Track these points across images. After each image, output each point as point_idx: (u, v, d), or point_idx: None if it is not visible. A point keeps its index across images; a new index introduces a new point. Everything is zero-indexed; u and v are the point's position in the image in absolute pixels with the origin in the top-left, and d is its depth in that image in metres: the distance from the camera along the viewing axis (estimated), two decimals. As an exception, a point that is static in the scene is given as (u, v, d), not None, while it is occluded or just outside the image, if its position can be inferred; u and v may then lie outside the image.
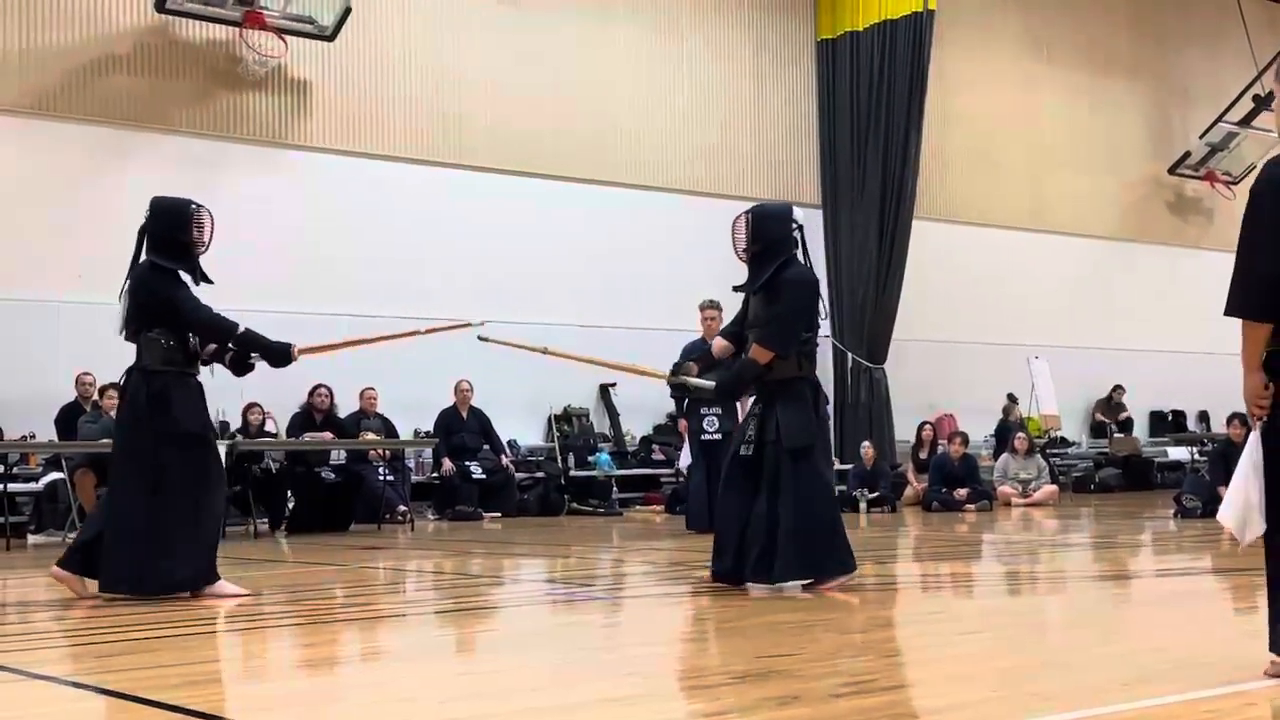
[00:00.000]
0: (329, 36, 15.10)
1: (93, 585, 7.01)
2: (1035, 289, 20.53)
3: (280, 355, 7.23)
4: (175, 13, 14.44)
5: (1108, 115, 21.87)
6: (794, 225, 7.04)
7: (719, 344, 7.19)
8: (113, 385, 11.60)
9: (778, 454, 6.79)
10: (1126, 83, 22.13)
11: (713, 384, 7.17)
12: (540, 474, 15.83)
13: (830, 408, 18.71)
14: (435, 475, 14.99)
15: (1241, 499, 4.10)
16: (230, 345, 7.17)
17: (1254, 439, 4.11)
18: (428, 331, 7.88)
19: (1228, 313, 4.06)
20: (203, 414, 7.14)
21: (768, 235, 6.96)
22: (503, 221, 16.36)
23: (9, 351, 13.44)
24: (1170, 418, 21.90)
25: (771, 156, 18.80)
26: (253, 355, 7.27)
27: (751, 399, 7.22)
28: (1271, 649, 4.08)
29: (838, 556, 6.87)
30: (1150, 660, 4.64)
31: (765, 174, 18.67)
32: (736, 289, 7.16)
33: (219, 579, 7.02)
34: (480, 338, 7.67)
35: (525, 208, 16.53)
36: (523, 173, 16.61)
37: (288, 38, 14.90)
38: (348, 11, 14.97)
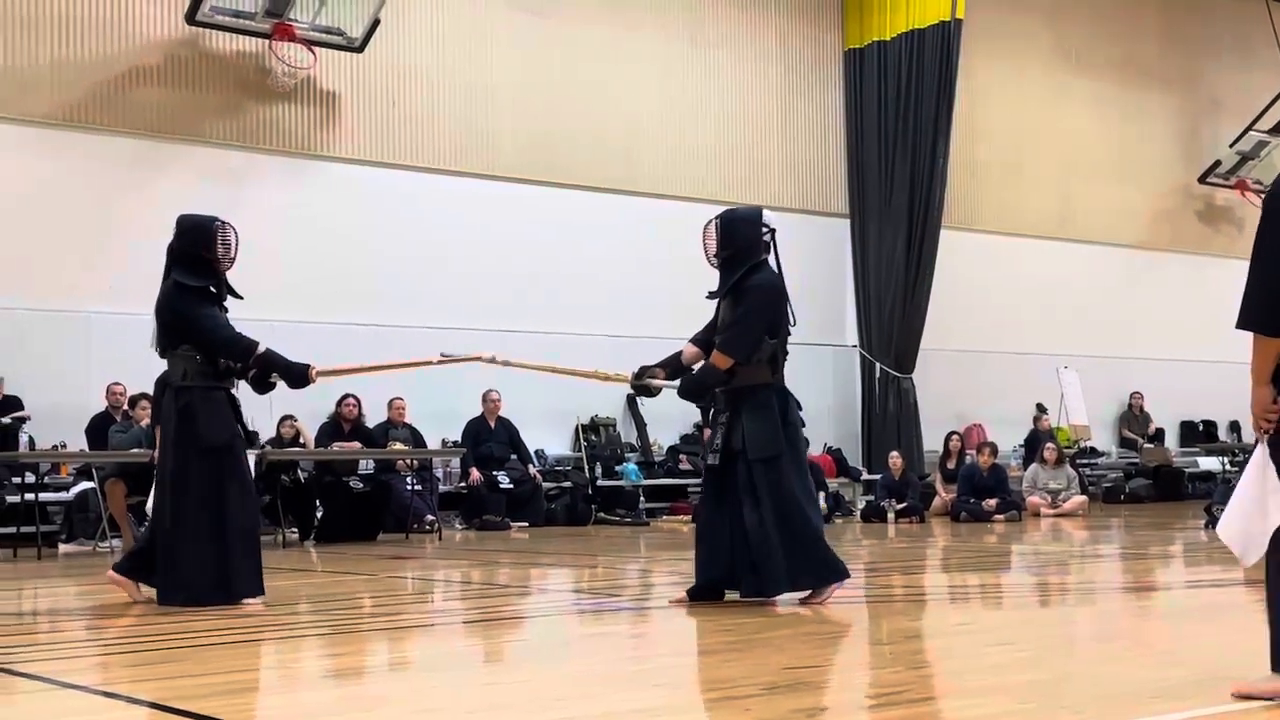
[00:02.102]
0: (358, 48, 15.18)
1: (148, 591, 7.17)
2: (1065, 298, 20.44)
3: (299, 376, 7.30)
4: (205, 25, 14.53)
5: (1137, 124, 21.77)
6: (764, 229, 6.91)
7: (689, 350, 7.08)
8: (143, 396, 11.72)
9: (746, 464, 6.68)
10: (1156, 92, 22.02)
11: (676, 384, 7.06)
12: (567, 484, 15.84)
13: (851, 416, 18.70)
14: (463, 485, 15.02)
15: (1245, 516, 4.03)
16: (250, 364, 7.23)
17: (1260, 453, 4.04)
18: (439, 362, 7.91)
19: (1240, 326, 4.02)
20: (230, 427, 7.20)
21: (736, 240, 6.85)
22: (530, 232, 16.40)
23: (41, 362, 13.54)
24: (1201, 428, 21.76)
25: (799, 166, 18.79)
26: (273, 374, 7.34)
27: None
28: (1275, 668, 4.02)
29: (813, 567, 6.69)
30: (1180, 673, 4.61)
31: (793, 184, 18.67)
32: (709, 296, 7.07)
33: (259, 592, 7.06)
34: (442, 354, 7.77)
35: (552, 218, 16.57)
36: (550, 183, 16.65)
37: (317, 49, 14.97)
38: (376, 23, 15.04)
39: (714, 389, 6.93)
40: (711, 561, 6.82)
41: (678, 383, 7.04)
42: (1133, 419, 20.95)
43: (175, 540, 7.01)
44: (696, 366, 7.03)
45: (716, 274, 7.02)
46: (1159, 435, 20.83)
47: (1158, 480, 19.55)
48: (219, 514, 7.00)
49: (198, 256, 7.17)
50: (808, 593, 6.71)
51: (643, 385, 7.15)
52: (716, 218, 6.97)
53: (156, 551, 7.09)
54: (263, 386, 7.44)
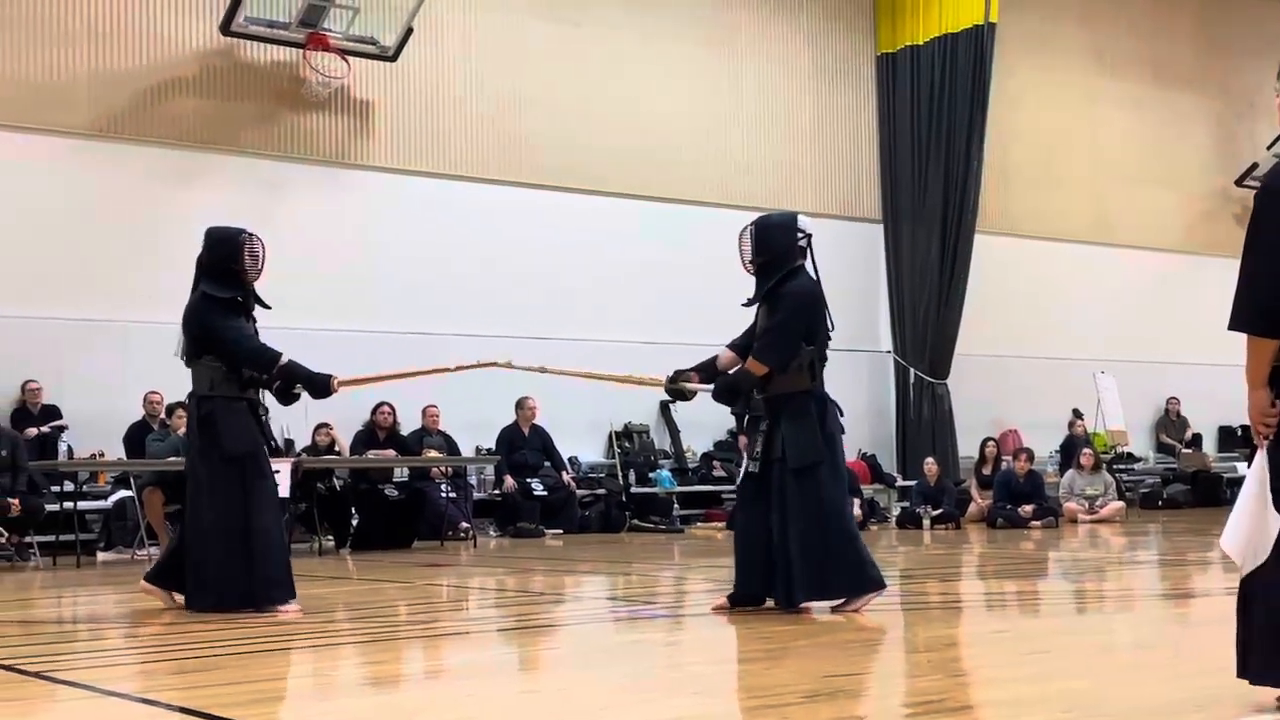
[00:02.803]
0: (391, 57, 15.25)
1: (180, 598, 7.29)
2: (1100, 303, 20.33)
3: (321, 387, 7.38)
4: (240, 35, 14.63)
5: (1172, 127, 21.64)
6: (799, 235, 6.86)
7: (726, 355, 7.05)
8: (180, 404, 11.80)
9: (783, 472, 6.64)
10: (1191, 95, 21.88)
11: (710, 388, 7.02)
12: (601, 491, 15.84)
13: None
14: (497, 492, 15.05)
15: (1246, 524, 3.93)
16: (274, 375, 7.30)
17: (1260, 460, 3.92)
18: (456, 369, 7.95)
19: (1232, 327, 3.92)
20: (251, 436, 7.28)
21: (771, 246, 6.82)
22: (563, 239, 16.43)
23: (78, 371, 13.65)
24: (1240, 432, 21.53)
25: (832, 171, 18.76)
26: (296, 385, 7.40)
27: None
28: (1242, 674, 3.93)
29: (849, 575, 6.64)
30: (1221, 681, 4.56)
31: (826, 189, 18.64)
32: (745, 303, 7.02)
33: (289, 597, 7.15)
34: (494, 363, 7.82)
35: (585, 225, 16.60)
36: (583, 190, 16.68)
37: (350, 59, 15.06)
38: (409, 32, 15.11)
39: (748, 393, 6.89)
40: (751, 569, 6.80)
41: (712, 386, 7.03)
42: (1169, 424, 20.80)
43: (202, 547, 7.14)
44: (732, 372, 7.00)
45: (745, 282, 6.99)
46: (1197, 440, 20.66)
47: (1195, 485, 19.40)
48: (244, 521, 7.11)
49: (226, 269, 7.27)
50: (841, 600, 6.68)
51: (677, 389, 7.14)
52: (751, 224, 6.93)
53: (184, 558, 7.22)
54: (287, 397, 7.50)
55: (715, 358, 7.11)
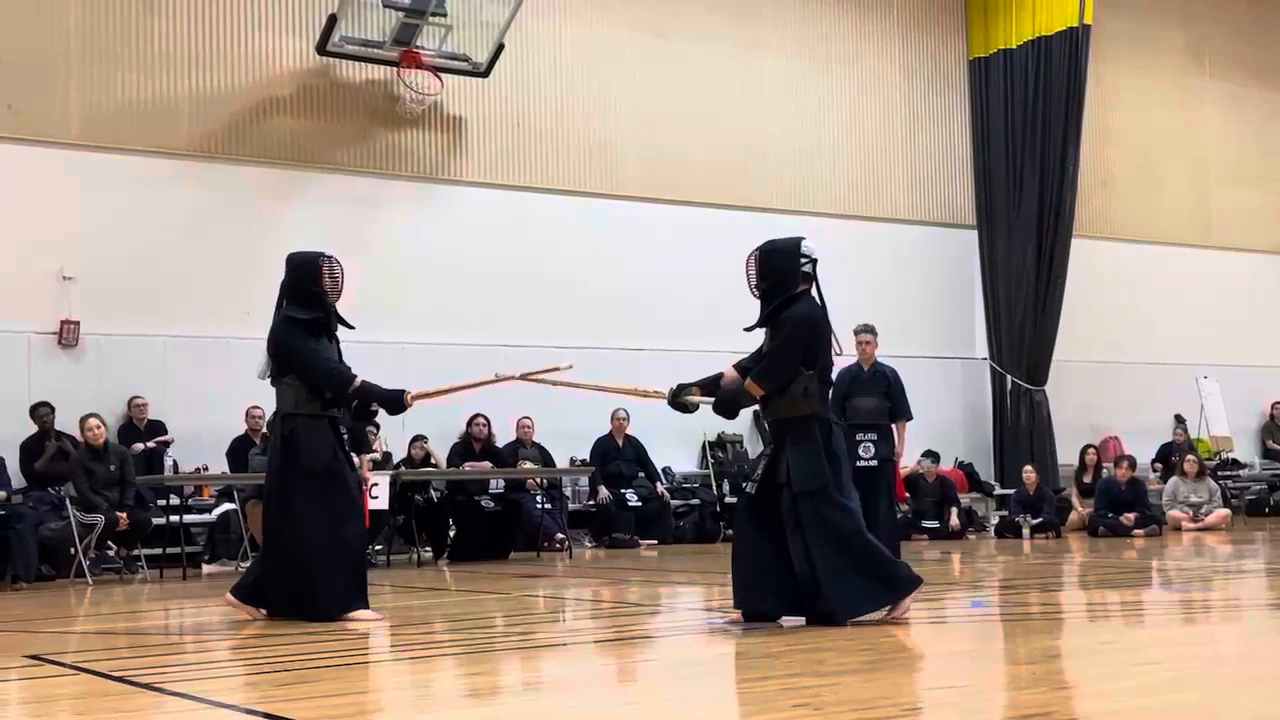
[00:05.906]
0: (483, 73, 15.39)
1: (264, 613, 7.53)
2: (1201, 307, 19.95)
3: (395, 403, 7.60)
4: (335, 55, 14.86)
5: (1274, 127, 21.19)
6: (804, 259, 6.91)
7: (730, 374, 7.11)
8: (279, 418, 12.01)
9: (791, 497, 6.66)
10: (1294, 93, 21.42)
11: (711, 400, 7.08)
12: (695, 501, 15.84)
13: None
14: (592, 503, 15.10)
15: None
16: (350, 395, 7.52)
17: None
18: (522, 378, 8.06)
19: None
20: (331, 452, 7.48)
21: (774, 271, 6.89)
22: (655, 250, 16.46)
23: (183, 388, 13.93)
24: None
25: (924, 178, 18.61)
26: (373, 403, 7.65)
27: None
28: None
29: (883, 584, 6.65)
30: (1338, 694, 4.46)
31: (918, 196, 18.50)
32: (747, 329, 7.09)
33: (362, 606, 7.36)
34: (524, 375, 7.93)
35: (677, 236, 16.61)
36: (674, 201, 16.71)
37: (443, 75, 15.22)
38: (501, 48, 15.24)
39: (747, 406, 7.01)
40: (752, 589, 6.80)
41: (713, 400, 7.08)
42: (1275, 429, 20.35)
43: (283, 560, 7.38)
44: (733, 388, 7.04)
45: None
46: (1305, 446, 20.21)
47: (1303, 492, 18.97)
48: (322, 534, 7.33)
49: (307, 290, 7.53)
50: (885, 610, 6.67)
51: (680, 403, 7.22)
52: (756, 249, 7.02)
53: (267, 570, 7.46)
54: (364, 415, 7.84)
55: (720, 374, 7.19)
